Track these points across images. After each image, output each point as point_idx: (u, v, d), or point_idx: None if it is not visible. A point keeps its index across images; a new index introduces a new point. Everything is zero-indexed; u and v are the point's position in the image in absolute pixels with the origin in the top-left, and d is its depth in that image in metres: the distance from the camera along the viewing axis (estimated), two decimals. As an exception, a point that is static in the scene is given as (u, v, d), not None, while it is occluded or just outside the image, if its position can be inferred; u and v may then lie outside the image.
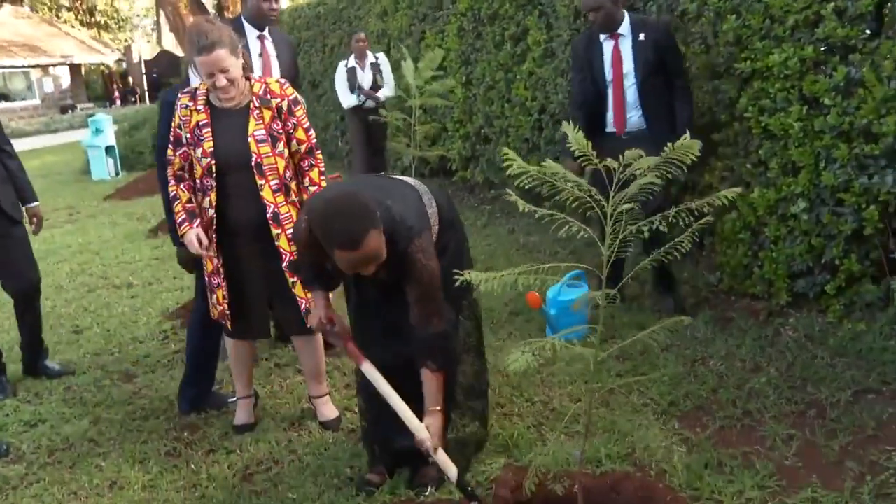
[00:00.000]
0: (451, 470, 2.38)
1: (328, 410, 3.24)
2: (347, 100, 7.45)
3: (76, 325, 4.86)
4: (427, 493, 2.63)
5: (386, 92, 7.40)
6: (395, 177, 2.70)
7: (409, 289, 2.40)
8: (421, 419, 2.46)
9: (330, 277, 2.63)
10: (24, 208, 3.95)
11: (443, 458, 2.40)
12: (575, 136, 2.12)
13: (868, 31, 3.30)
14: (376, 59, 7.42)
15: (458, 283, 2.11)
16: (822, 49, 3.43)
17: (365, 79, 7.38)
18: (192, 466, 3.00)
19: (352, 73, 7.39)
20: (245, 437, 3.18)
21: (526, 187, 2.08)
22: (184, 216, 2.98)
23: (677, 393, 3.18)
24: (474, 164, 7.06)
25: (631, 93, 3.92)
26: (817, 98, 3.42)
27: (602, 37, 3.96)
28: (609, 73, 3.95)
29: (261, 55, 3.90)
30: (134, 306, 5.15)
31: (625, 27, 3.92)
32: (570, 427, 2.99)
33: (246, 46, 3.75)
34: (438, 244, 2.56)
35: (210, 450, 3.13)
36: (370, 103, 7.32)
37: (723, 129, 4.06)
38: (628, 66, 3.90)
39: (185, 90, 3.02)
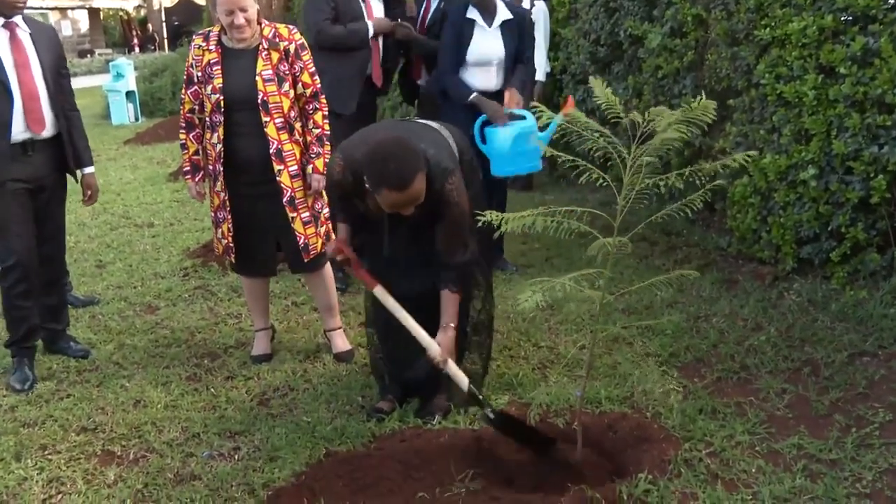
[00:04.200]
0: (463, 380, 2.55)
1: (342, 343, 3.40)
2: None
3: (99, 260, 5.01)
4: (434, 422, 2.78)
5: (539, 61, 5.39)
6: (420, 121, 2.82)
7: (441, 224, 2.56)
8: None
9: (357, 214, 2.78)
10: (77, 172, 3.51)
11: (454, 370, 2.57)
12: (603, 91, 2.21)
13: (890, 2, 3.35)
14: (532, 5, 5.61)
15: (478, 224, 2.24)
16: (843, 19, 3.48)
17: None
18: (212, 390, 3.17)
19: None
20: (262, 367, 3.34)
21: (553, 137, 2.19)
22: (188, 167, 3.26)
23: (679, 345, 3.31)
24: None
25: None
26: (833, 67, 3.47)
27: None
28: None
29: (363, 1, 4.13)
30: (155, 244, 5.30)
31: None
32: (572, 371, 3.14)
33: None
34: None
35: (229, 376, 3.29)
36: None
37: (739, 95, 4.12)
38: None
39: (200, 32, 3.21)
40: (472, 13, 4.00)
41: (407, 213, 2.51)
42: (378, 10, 4.18)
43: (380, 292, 2.69)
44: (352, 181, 2.56)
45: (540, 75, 5.80)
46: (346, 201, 2.72)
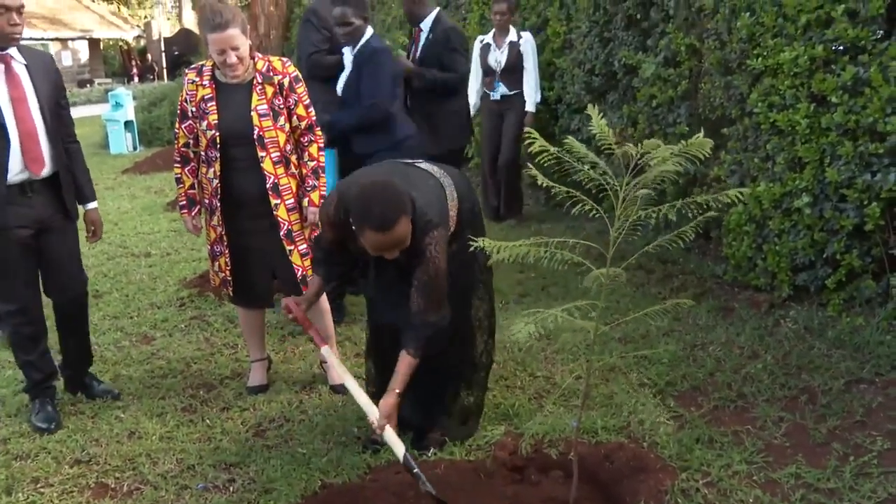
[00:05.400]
0: (399, 450, 2.44)
1: (337, 375, 3.37)
2: (474, 85, 6.02)
3: (96, 290, 4.99)
4: (430, 454, 2.77)
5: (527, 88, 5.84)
6: (420, 165, 2.79)
7: (416, 276, 2.52)
8: (415, 390, 2.63)
9: (341, 262, 2.78)
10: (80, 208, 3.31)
11: (390, 437, 2.47)
12: (598, 122, 2.23)
13: (880, 33, 3.39)
14: (519, 37, 5.83)
15: (477, 267, 2.21)
16: (833, 49, 3.52)
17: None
18: (208, 421, 3.15)
19: (485, 49, 5.93)
20: (258, 398, 3.33)
21: (545, 164, 2.20)
22: (184, 202, 3.27)
23: (675, 374, 3.30)
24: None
25: None
26: (825, 96, 3.51)
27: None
28: None
29: None
30: (152, 274, 5.28)
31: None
32: (568, 400, 3.12)
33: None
34: (457, 231, 2.67)
35: (224, 407, 3.28)
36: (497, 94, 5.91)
37: (733, 123, 4.15)
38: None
39: (193, 66, 3.20)
40: (346, 48, 4.00)
41: (391, 258, 2.49)
42: None
43: (326, 352, 2.77)
44: (343, 220, 2.55)
45: (529, 106, 5.82)
46: (336, 244, 2.69)
